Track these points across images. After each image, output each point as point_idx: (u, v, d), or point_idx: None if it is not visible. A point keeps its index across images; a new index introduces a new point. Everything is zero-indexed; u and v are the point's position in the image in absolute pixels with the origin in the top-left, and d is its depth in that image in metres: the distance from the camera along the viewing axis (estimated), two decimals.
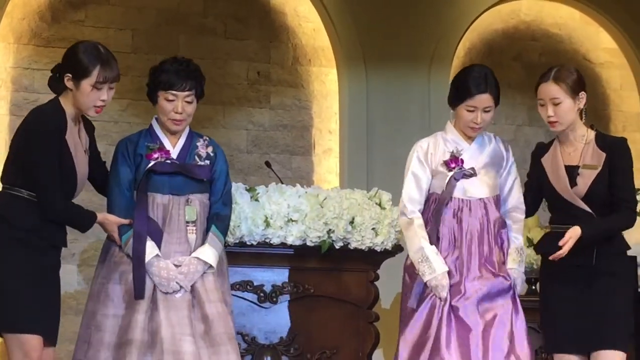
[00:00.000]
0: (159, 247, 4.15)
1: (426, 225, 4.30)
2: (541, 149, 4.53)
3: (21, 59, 7.35)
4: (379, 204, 5.48)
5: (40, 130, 3.96)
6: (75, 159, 4.03)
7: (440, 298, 4.14)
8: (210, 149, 4.37)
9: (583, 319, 4.16)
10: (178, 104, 4.23)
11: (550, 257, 4.26)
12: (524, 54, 8.39)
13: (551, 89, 4.31)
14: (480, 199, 4.31)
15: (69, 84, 4.05)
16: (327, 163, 7.83)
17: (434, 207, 4.31)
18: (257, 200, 5.15)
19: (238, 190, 5.10)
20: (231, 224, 4.96)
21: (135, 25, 7.59)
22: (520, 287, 4.35)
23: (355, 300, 5.47)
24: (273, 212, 5.04)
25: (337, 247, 5.32)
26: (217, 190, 4.37)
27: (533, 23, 8.43)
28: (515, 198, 4.46)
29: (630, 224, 4.24)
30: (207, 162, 4.33)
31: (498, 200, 4.40)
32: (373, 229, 5.35)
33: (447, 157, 4.33)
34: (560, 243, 4.20)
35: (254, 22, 7.82)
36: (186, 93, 4.25)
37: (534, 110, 8.17)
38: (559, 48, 8.45)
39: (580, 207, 4.27)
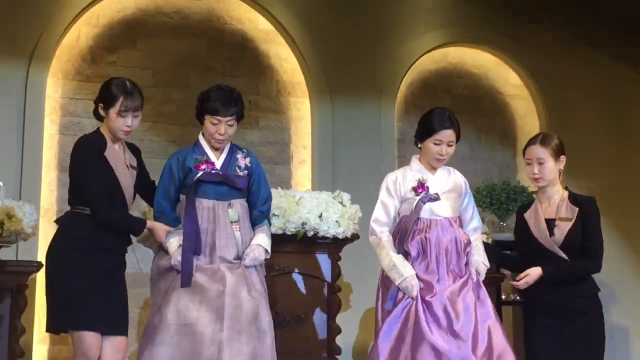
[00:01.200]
0: (201, 243, 3.90)
1: (397, 242, 4.04)
2: (523, 208, 4.30)
3: (67, 91, 7.36)
4: (341, 203, 5.51)
5: (83, 153, 3.80)
6: (117, 172, 3.82)
7: (412, 297, 3.85)
8: (247, 160, 4.15)
9: (563, 351, 3.92)
10: (221, 126, 4.01)
11: (512, 283, 4.13)
12: (451, 87, 8.44)
13: (538, 151, 4.08)
14: (445, 217, 4.02)
15: (101, 112, 3.89)
16: (302, 171, 7.85)
17: (403, 226, 4.04)
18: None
19: None
20: None
21: (155, 66, 7.61)
22: (483, 273, 4.04)
23: (323, 276, 5.50)
24: None
25: (309, 236, 5.36)
26: (260, 193, 4.15)
27: (458, 64, 8.49)
28: (477, 220, 4.23)
29: (596, 270, 4.00)
30: (246, 172, 4.10)
31: (460, 221, 4.13)
32: (336, 221, 5.38)
33: (414, 184, 4.05)
34: (517, 278, 4.06)
35: (246, 63, 7.86)
36: (228, 118, 4.04)
37: (461, 130, 8.26)
38: (478, 83, 8.52)
39: (558, 254, 4.05)
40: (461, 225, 4.10)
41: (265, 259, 4.19)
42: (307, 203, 5.32)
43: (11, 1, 7.15)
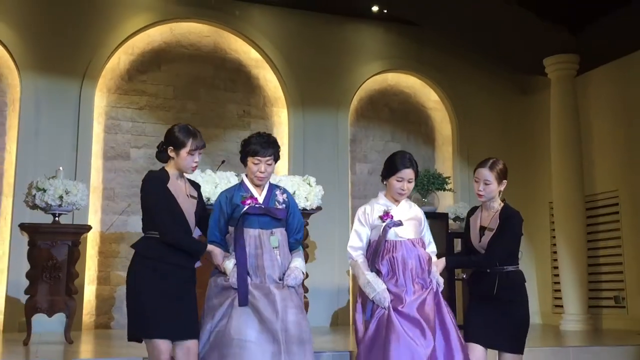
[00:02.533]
0: (249, 264, 3.43)
1: (370, 262, 3.59)
2: (472, 211, 3.83)
3: (111, 101, 7.30)
4: (309, 184, 5.50)
5: (150, 185, 3.29)
6: (179, 200, 3.31)
7: (384, 307, 3.43)
8: (284, 196, 3.60)
9: (488, 326, 3.53)
10: (262, 165, 3.49)
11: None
12: (390, 102, 8.45)
13: (486, 174, 3.61)
14: (409, 239, 3.57)
15: (171, 153, 3.34)
16: (281, 161, 7.64)
17: (374, 248, 3.58)
18: (242, 181, 5.11)
19: (232, 177, 5.09)
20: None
21: (175, 84, 7.57)
22: (441, 285, 3.60)
23: None
24: None
25: None
26: (295, 224, 3.64)
27: (395, 85, 8.52)
28: (432, 245, 3.73)
29: (487, 266, 3.58)
30: (283, 205, 3.57)
31: (422, 242, 3.67)
32: (305, 197, 5.38)
33: (380, 213, 3.59)
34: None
35: (241, 82, 7.83)
36: (267, 158, 3.50)
37: (396, 133, 8.34)
38: (408, 99, 8.53)
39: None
40: (423, 245, 3.68)
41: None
42: (284, 184, 5.31)
43: (68, 36, 7.06)
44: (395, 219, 3.58)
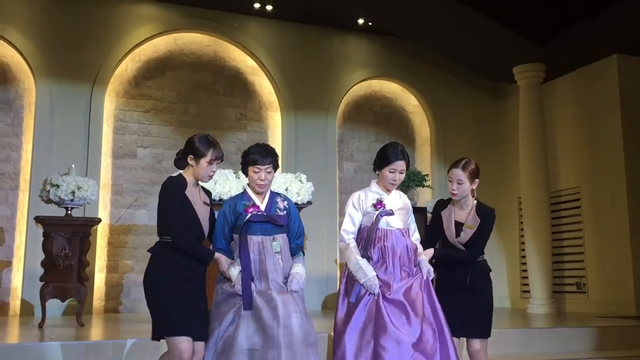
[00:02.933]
0: (255, 272, 3.30)
1: (361, 247, 3.44)
2: (442, 205, 3.65)
3: (118, 104, 7.28)
4: (300, 181, 5.47)
5: (169, 190, 3.16)
6: (195, 207, 3.20)
7: (374, 294, 3.28)
8: (285, 203, 3.43)
9: (457, 315, 3.42)
10: (262, 174, 3.34)
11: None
12: (373, 106, 8.47)
13: (458, 173, 3.48)
14: (398, 229, 3.44)
15: (191, 162, 3.21)
16: None
17: (366, 235, 3.42)
18: (238, 178, 5.11)
19: (230, 174, 5.09)
20: (224, 189, 4.94)
21: (178, 89, 7.56)
22: (431, 274, 3.45)
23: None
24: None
25: None
26: (296, 230, 3.46)
27: (378, 91, 8.54)
28: (417, 233, 3.59)
29: (469, 260, 3.49)
30: (285, 212, 3.40)
31: (409, 232, 3.52)
32: (297, 193, 5.36)
33: (374, 201, 3.45)
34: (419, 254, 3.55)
35: (239, 88, 7.83)
36: (266, 166, 3.34)
37: (379, 134, 8.36)
38: (390, 104, 8.56)
39: (456, 246, 3.52)
40: (410, 235, 3.54)
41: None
42: (277, 180, 5.31)
43: (80, 45, 7.05)
44: (387, 208, 3.46)
